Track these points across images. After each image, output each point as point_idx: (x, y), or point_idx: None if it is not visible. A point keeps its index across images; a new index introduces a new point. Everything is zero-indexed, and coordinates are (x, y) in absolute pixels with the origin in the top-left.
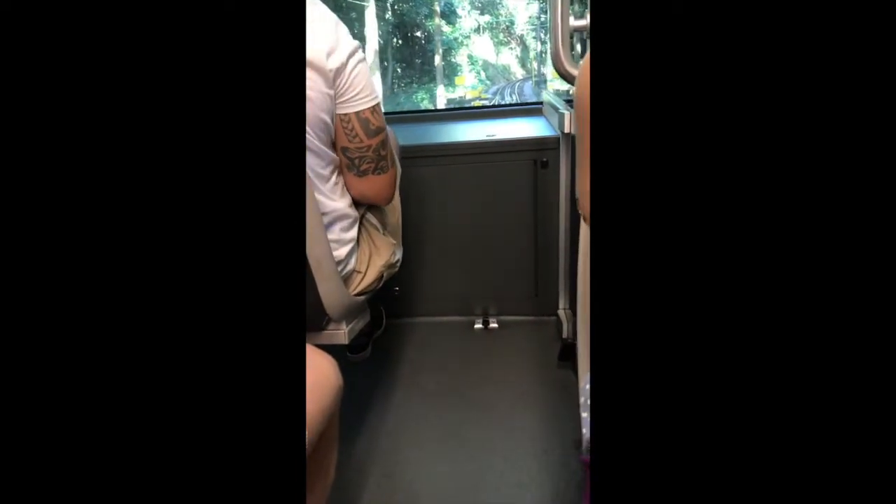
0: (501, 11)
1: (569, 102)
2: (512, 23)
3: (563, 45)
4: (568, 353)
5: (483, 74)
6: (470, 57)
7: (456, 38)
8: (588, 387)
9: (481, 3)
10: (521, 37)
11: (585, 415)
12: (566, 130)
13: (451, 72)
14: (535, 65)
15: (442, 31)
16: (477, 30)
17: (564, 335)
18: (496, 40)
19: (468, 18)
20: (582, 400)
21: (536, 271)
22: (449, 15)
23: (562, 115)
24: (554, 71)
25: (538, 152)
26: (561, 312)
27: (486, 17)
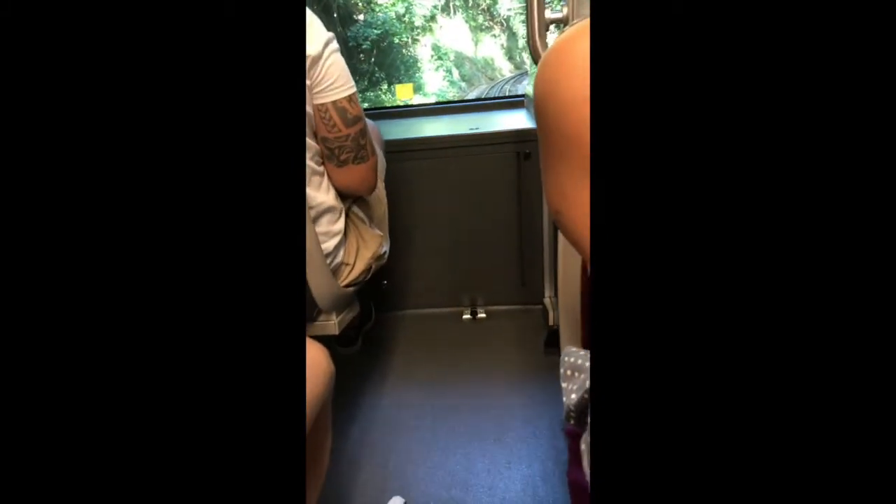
0: None
1: None
2: (494, 0)
3: (539, 38)
4: (554, 339)
5: (456, 73)
6: (436, 48)
7: (402, 18)
8: (569, 359)
9: None
10: (508, 20)
11: (565, 384)
12: None
13: (399, 73)
14: (526, 58)
15: (372, 4)
16: (445, 7)
17: (550, 322)
18: (473, 24)
19: None
20: (561, 371)
21: (522, 261)
22: None
23: None
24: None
25: (520, 144)
26: (547, 300)
27: None
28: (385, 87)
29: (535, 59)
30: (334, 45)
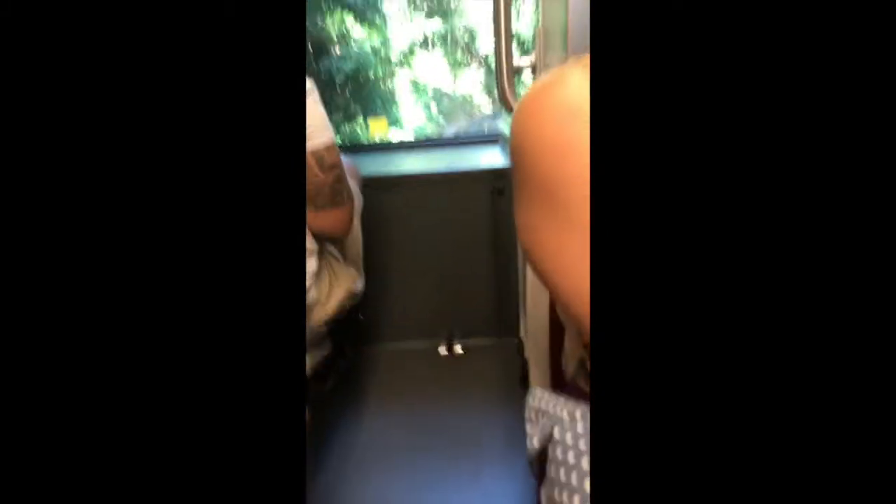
0: (458, 22)
1: None
2: (473, 37)
3: (508, 83)
4: (529, 374)
5: (434, 108)
6: (414, 84)
7: (377, 51)
8: (534, 402)
9: (427, 1)
10: (486, 57)
11: (529, 429)
12: None
13: (376, 108)
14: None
15: (346, 37)
16: (423, 43)
17: (526, 355)
18: (452, 60)
19: (405, 23)
20: (526, 413)
21: (498, 294)
22: (364, 10)
23: None
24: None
25: (495, 181)
26: (523, 333)
27: (436, 23)
28: (361, 120)
29: (504, 104)
30: (315, 95)
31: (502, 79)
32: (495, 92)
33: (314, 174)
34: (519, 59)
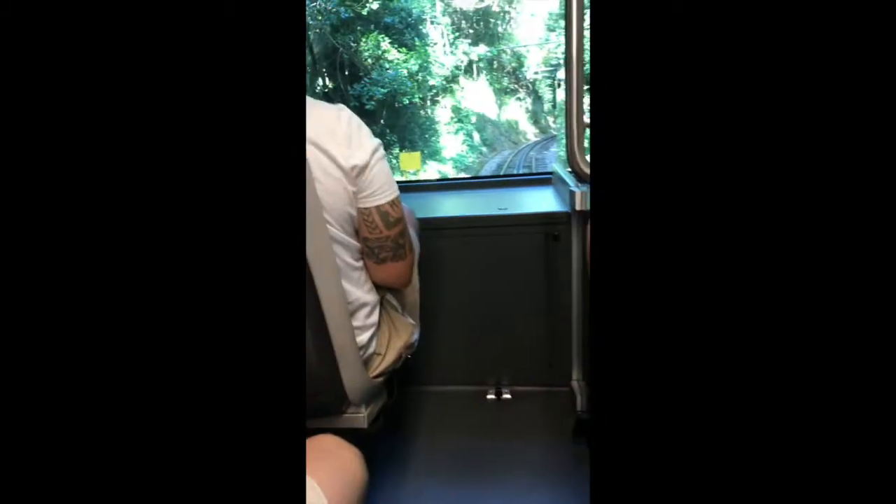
0: (505, 48)
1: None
2: (521, 63)
3: (578, 144)
4: (582, 428)
5: (476, 137)
6: (456, 110)
7: (414, 75)
8: None
9: (473, 25)
10: (534, 83)
11: None
12: (578, 208)
13: (414, 136)
14: (552, 121)
15: (381, 61)
16: (468, 68)
17: (578, 408)
18: (498, 87)
19: (447, 48)
20: None
21: (550, 342)
22: (403, 31)
23: (572, 193)
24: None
25: (550, 226)
26: (574, 384)
27: (481, 49)
28: (397, 150)
29: (571, 161)
30: (381, 152)
31: (572, 136)
32: (542, 119)
33: (379, 231)
34: (588, 118)
